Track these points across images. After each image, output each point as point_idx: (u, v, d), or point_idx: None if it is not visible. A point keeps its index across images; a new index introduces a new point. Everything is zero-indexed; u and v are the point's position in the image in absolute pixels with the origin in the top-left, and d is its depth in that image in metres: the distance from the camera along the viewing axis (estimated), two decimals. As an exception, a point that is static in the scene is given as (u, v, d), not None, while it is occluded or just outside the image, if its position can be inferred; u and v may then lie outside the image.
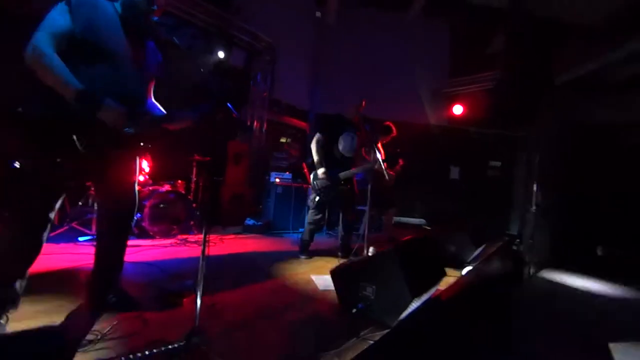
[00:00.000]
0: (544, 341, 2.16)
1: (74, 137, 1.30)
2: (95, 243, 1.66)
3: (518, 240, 5.07)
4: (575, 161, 4.98)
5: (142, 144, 1.54)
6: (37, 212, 1.34)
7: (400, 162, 3.94)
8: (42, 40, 1.24)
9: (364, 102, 3.21)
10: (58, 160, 1.29)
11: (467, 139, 6.58)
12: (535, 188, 4.42)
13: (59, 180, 1.37)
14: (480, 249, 3.20)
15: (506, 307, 2.54)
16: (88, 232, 3.07)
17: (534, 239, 4.55)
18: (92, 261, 1.64)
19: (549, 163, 5.05)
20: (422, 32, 7.05)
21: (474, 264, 2.92)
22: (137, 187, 1.67)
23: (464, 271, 2.72)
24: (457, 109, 6.33)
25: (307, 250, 3.18)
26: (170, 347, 1.29)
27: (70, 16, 1.29)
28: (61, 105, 1.26)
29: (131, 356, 1.22)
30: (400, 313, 1.61)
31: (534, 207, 4.47)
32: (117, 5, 1.46)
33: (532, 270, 3.74)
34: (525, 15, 5.12)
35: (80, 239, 2.94)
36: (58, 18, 1.29)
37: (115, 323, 1.47)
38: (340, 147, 3.09)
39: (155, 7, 1.48)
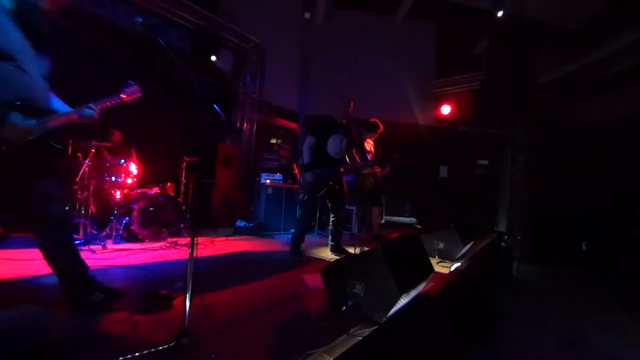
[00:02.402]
0: (526, 335, 2.22)
1: None
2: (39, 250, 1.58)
3: (506, 236, 5.18)
4: (557, 159, 5.13)
5: (52, 144, 1.50)
6: None
7: (377, 169, 4.06)
8: None
9: (352, 104, 3.25)
10: None
11: (455, 138, 6.69)
12: (521, 186, 4.53)
13: None
14: (468, 245, 3.26)
15: (493, 302, 2.61)
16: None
17: (521, 235, 4.65)
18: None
19: (533, 161, 5.19)
20: (409, 34, 7.15)
21: (462, 260, 2.98)
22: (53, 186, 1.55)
23: (453, 267, 2.77)
24: (445, 109, 6.44)
25: (299, 251, 3.20)
26: (160, 348, 1.29)
27: None
28: None
29: (121, 358, 1.22)
30: (389, 309, 1.64)
31: (520, 204, 4.57)
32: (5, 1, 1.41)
33: (519, 265, 3.83)
34: (508, 16, 5.25)
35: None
36: None
37: (104, 326, 1.46)
38: (328, 149, 3.12)
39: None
